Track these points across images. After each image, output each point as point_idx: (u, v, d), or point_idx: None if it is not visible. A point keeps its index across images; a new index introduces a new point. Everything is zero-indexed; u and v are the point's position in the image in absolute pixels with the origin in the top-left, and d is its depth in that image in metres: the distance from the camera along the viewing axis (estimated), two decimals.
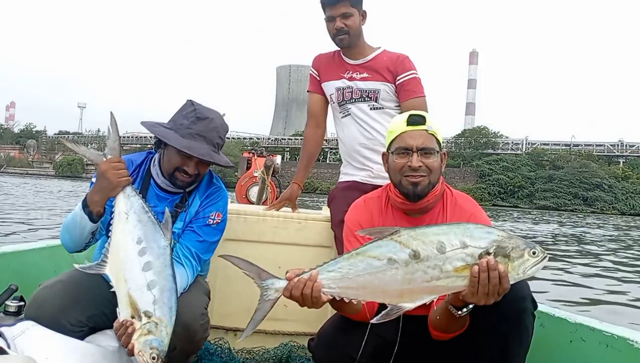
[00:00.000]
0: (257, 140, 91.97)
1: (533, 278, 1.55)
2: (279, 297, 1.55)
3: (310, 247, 2.53)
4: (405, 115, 1.75)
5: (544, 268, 1.43)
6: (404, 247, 1.43)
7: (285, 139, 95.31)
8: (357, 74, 2.52)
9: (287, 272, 1.54)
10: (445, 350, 1.71)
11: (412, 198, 1.73)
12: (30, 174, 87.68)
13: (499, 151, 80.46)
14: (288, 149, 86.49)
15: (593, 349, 1.79)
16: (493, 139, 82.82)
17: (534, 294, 1.59)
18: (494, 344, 1.56)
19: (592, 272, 10.00)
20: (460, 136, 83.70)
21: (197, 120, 1.91)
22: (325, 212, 2.75)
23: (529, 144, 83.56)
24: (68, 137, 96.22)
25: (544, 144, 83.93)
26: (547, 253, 1.40)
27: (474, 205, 1.81)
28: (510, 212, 46.45)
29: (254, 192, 6.16)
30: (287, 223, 2.56)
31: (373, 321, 1.48)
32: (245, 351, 2.44)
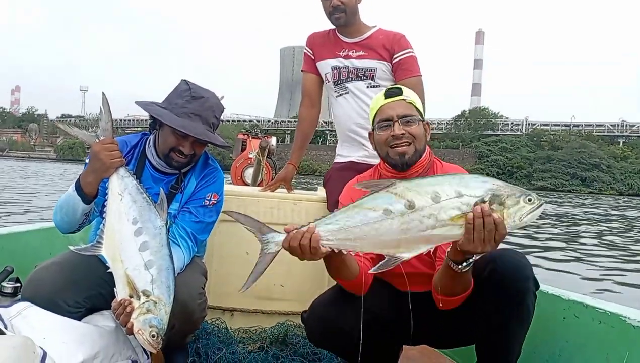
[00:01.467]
0: (257, 122, 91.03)
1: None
2: (279, 249, 1.59)
3: None
4: (383, 90, 1.81)
5: (541, 217, 1.43)
6: (399, 198, 1.45)
7: (285, 121, 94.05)
8: (352, 52, 2.49)
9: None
10: (444, 327, 1.73)
11: (401, 168, 1.77)
12: (32, 158, 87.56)
13: (499, 132, 79.85)
14: (289, 132, 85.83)
15: (586, 325, 1.80)
16: (492, 120, 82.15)
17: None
18: (494, 323, 1.58)
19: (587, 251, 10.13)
20: (460, 117, 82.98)
21: (192, 99, 1.89)
22: (321, 192, 2.75)
23: (529, 124, 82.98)
24: (70, 120, 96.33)
25: (544, 125, 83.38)
26: (544, 201, 1.40)
27: (464, 172, 1.81)
28: None
29: (249, 173, 6.13)
30: (282, 204, 2.56)
31: (371, 271, 1.53)
32: (243, 330, 2.46)
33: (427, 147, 1.82)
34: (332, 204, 2.43)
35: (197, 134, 1.84)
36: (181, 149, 1.87)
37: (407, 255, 1.46)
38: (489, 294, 1.55)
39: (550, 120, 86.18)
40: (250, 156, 6.35)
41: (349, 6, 2.43)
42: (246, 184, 6.02)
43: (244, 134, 7.42)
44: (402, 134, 1.73)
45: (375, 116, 1.81)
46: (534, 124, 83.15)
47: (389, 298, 1.77)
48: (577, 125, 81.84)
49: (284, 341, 2.36)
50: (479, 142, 75.36)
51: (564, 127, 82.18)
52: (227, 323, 2.41)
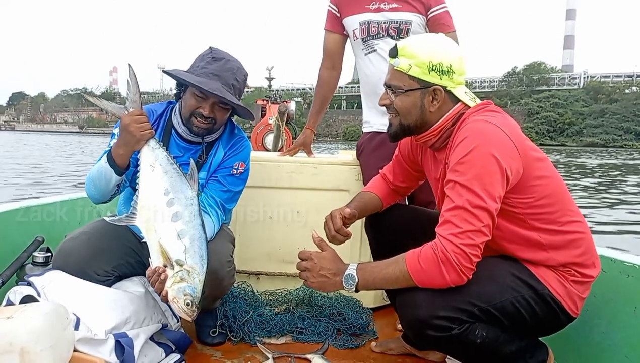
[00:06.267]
0: (309, 90, 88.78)
1: None
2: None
3: (327, 191, 2.53)
4: None
5: None
6: None
7: (343, 88, 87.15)
8: (385, 5, 2.32)
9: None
10: None
11: (390, 139, 1.68)
12: (106, 133, 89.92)
13: (554, 87, 75.67)
14: (344, 98, 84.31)
15: (614, 279, 1.77)
16: (547, 75, 77.98)
17: None
18: None
19: None
20: (511, 74, 79.29)
21: (212, 60, 1.87)
22: (342, 156, 2.72)
23: (587, 77, 78.29)
24: (146, 97, 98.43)
25: (604, 77, 78.57)
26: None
27: (466, 132, 1.46)
28: (551, 152, 42.74)
29: (269, 139, 6.14)
30: (302, 168, 2.55)
31: None
32: (268, 293, 2.49)
33: (454, 110, 1.56)
34: (369, 179, 2.39)
35: (212, 89, 1.79)
36: (201, 112, 1.85)
37: None
38: None
39: (611, 71, 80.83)
40: (270, 122, 6.34)
41: None
42: (267, 150, 6.04)
43: (262, 100, 7.41)
44: (386, 103, 1.61)
45: None
46: (594, 77, 78.30)
47: None
48: None
49: (310, 302, 2.39)
50: (529, 98, 71.75)
51: (626, 78, 76.81)
52: (253, 287, 2.45)
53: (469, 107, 1.56)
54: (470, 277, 1.40)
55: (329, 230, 1.77)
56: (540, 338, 1.62)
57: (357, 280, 1.50)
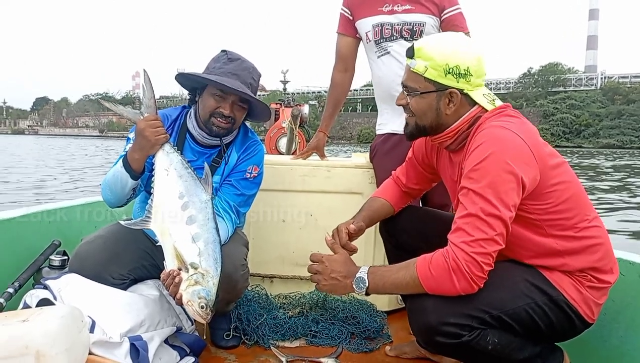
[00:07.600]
0: (324, 93, 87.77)
1: None
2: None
3: (340, 194, 2.53)
4: None
5: None
6: None
7: (358, 90, 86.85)
8: (398, 7, 2.31)
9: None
10: None
11: (407, 138, 1.67)
12: (125, 136, 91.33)
13: (570, 88, 74.93)
14: (360, 100, 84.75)
15: (633, 283, 1.74)
16: (563, 76, 77.28)
17: None
18: None
19: None
20: (526, 75, 78.92)
21: (228, 61, 1.91)
22: (355, 159, 2.72)
23: (604, 78, 77.51)
24: (165, 101, 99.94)
25: (623, 77, 77.52)
26: None
27: (482, 138, 1.44)
28: (568, 154, 41.68)
29: (283, 142, 6.16)
30: (316, 171, 2.55)
31: None
32: (282, 296, 2.50)
33: (470, 113, 1.53)
34: (382, 182, 2.37)
35: (235, 86, 1.83)
36: (221, 111, 1.87)
37: None
38: None
39: (629, 71, 79.38)
40: (283, 125, 6.36)
41: None
42: (280, 153, 6.05)
43: (276, 103, 7.45)
44: (402, 103, 1.60)
45: None
46: (612, 77, 77.37)
47: None
48: None
49: (324, 306, 2.38)
50: (545, 100, 71.13)
51: None
52: (267, 290, 2.46)
53: (487, 110, 1.53)
54: (482, 285, 1.38)
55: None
56: (557, 343, 1.60)
57: (367, 283, 1.49)
